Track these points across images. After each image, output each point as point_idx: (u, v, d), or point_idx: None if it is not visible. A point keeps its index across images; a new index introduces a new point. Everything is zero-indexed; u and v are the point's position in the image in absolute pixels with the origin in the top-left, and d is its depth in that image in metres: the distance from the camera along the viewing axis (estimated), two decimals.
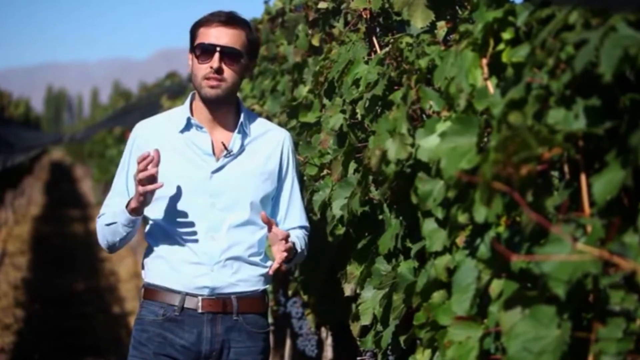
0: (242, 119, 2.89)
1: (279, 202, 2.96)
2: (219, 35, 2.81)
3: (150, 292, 2.88)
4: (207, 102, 2.85)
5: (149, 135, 2.91)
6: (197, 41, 2.83)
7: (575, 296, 1.46)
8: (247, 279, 2.87)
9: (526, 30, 1.83)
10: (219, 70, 2.79)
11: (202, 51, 2.81)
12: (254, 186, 2.87)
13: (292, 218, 2.98)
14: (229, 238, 2.83)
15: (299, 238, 2.91)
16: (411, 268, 2.31)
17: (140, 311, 2.91)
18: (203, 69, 2.81)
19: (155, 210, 2.88)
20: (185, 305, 2.83)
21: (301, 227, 2.97)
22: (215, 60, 2.79)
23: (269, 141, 2.93)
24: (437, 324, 1.94)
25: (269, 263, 2.89)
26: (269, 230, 2.80)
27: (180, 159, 2.85)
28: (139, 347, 2.87)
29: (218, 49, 2.79)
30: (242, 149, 2.88)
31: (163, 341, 2.84)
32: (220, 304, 2.84)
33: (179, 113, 2.92)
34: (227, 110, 2.89)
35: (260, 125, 2.95)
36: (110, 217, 2.87)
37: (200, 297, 2.83)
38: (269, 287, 3.03)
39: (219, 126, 2.89)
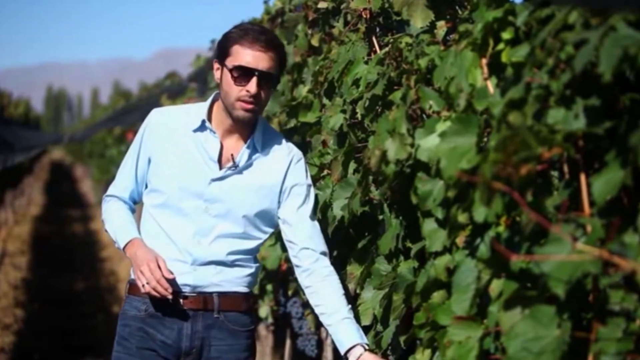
0: (255, 133, 2.85)
1: (291, 222, 2.86)
2: (259, 59, 2.75)
3: (134, 287, 2.88)
4: (236, 121, 2.82)
5: (162, 124, 2.88)
6: (234, 60, 2.76)
7: (575, 296, 1.46)
8: (230, 280, 2.85)
9: (526, 30, 1.83)
10: (256, 95, 2.77)
11: (240, 73, 2.76)
12: (251, 201, 2.84)
13: (314, 240, 2.86)
14: (215, 245, 2.82)
15: (350, 311, 2.75)
16: (411, 268, 2.32)
17: (124, 306, 2.92)
18: (238, 90, 2.76)
19: (148, 201, 2.89)
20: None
21: (324, 254, 2.85)
22: (253, 85, 2.74)
23: (276, 159, 2.88)
24: (437, 324, 1.94)
25: (254, 266, 2.89)
26: None
27: (185, 158, 2.83)
28: (122, 342, 2.89)
29: (257, 73, 2.75)
30: (248, 163, 2.85)
31: (145, 335, 2.85)
32: (201, 301, 2.83)
33: (196, 112, 2.88)
34: (246, 122, 2.85)
35: (272, 142, 2.90)
36: (112, 231, 2.91)
37: (181, 294, 2.83)
38: (254, 289, 3.01)
39: (232, 135, 2.85)
